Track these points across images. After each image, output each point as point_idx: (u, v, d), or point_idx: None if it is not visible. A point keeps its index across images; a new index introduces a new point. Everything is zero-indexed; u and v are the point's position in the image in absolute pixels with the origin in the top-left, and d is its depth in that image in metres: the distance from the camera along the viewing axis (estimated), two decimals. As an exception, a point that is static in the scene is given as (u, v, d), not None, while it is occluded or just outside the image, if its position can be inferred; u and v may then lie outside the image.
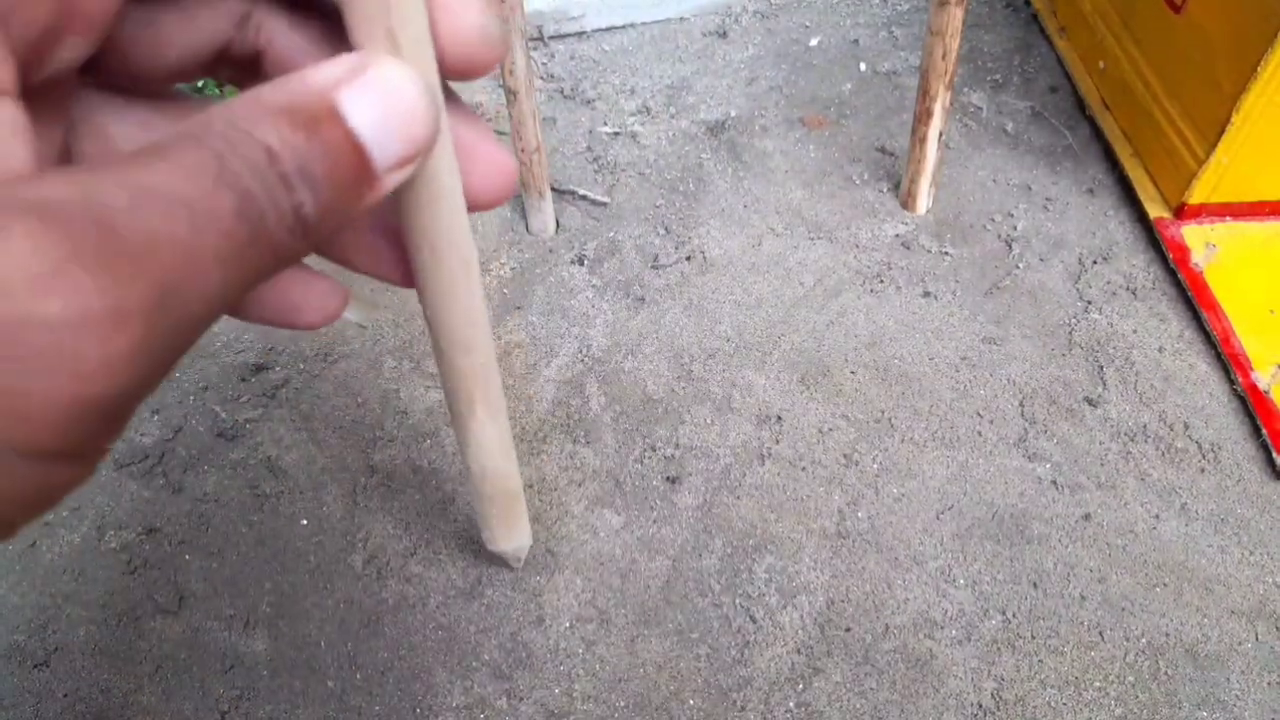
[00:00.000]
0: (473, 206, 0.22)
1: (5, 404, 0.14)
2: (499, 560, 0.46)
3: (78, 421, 0.14)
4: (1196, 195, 0.60)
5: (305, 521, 0.50)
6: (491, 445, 0.35)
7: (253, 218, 0.16)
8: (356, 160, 0.17)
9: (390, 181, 0.18)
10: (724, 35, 0.81)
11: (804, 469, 0.51)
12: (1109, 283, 0.61)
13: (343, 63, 0.18)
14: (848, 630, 0.45)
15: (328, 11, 0.19)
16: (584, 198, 0.66)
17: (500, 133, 0.70)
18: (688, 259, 0.62)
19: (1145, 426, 0.53)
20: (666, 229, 0.64)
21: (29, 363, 0.14)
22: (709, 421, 0.53)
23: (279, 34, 0.20)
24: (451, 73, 0.20)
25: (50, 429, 0.14)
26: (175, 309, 0.15)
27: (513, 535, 0.39)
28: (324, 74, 0.17)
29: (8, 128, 0.16)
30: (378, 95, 0.18)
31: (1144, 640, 0.45)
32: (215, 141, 0.16)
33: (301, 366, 0.57)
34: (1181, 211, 0.61)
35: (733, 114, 0.73)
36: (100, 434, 0.15)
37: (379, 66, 0.18)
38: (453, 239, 0.25)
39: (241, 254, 0.16)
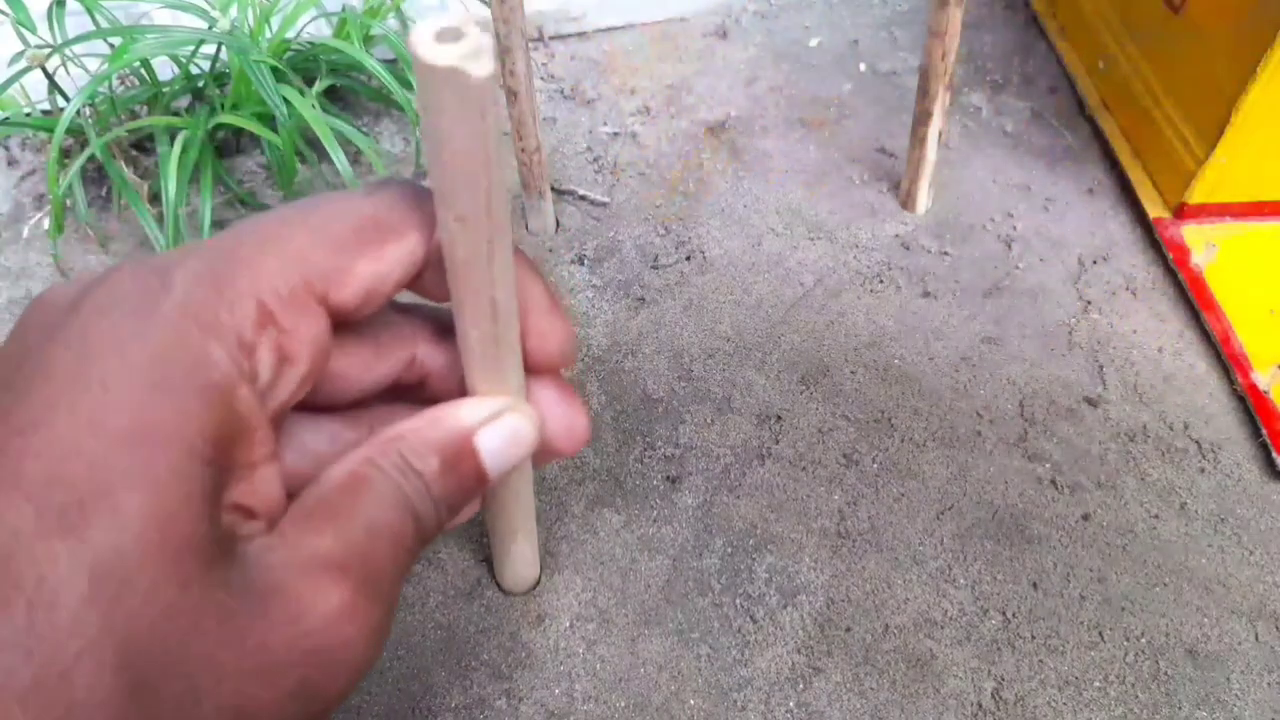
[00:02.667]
0: (546, 457, 0.29)
1: (310, 704, 0.20)
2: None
3: (339, 699, 0.21)
4: (1196, 195, 0.60)
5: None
6: (526, 557, 0.42)
7: (421, 531, 0.23)
8: (479, 481, 0.25)
9: (495, 481, 0.26)
10: (724, 35, 0.81)
11: (804, 469, 0.51)
12: (1109, 283, 0.61)
13: (486, 406, 0.25)
14: (848, 630, 0.45)
15: None
16: (584, 198, 0.66)
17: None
18: (688, 259, 0.62)
19: (1145, 426, 0.53)
20: (666, 229, 0.64)
21: (333, 669, 0.21)
22: (709, 421, 0.53)
23: (435, 363, 0.27)
24: (532, 371, 0.27)
25: (332, 707, 0.21)
26: (395, 598, 0.23)
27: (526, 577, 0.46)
28: (469, 415, 0.25)
29: (271, 472, 0.22)
30: (504, 436, 0.25)
31: (1144, 640, 0.45)
32: (397, 475, 0.23)
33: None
34: (1181, 211, 0.61)
35: (733, 114, 0.73)
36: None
37: (511, 414, 0.25)
38: (518, 492, 0.36)
39: (415, 549, 0.23)
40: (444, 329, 0.26)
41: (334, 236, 0.22)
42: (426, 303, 0.26)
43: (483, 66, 0.18)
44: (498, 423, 0.25)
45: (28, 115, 0.64)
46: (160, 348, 0.19)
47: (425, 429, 0.24)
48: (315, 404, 0.25)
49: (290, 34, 0.65)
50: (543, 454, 0.28)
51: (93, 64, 0.62)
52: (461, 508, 0.25)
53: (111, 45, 0.60)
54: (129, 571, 0.18)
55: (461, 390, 0.26)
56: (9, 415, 0.19)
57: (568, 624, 0.45)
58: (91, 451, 0.18)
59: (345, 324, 0.23)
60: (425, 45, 0.18)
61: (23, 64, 0.58)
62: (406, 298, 0.26)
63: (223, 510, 0.20)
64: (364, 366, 0.25)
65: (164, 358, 0.19)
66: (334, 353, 0.24)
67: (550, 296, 0.26)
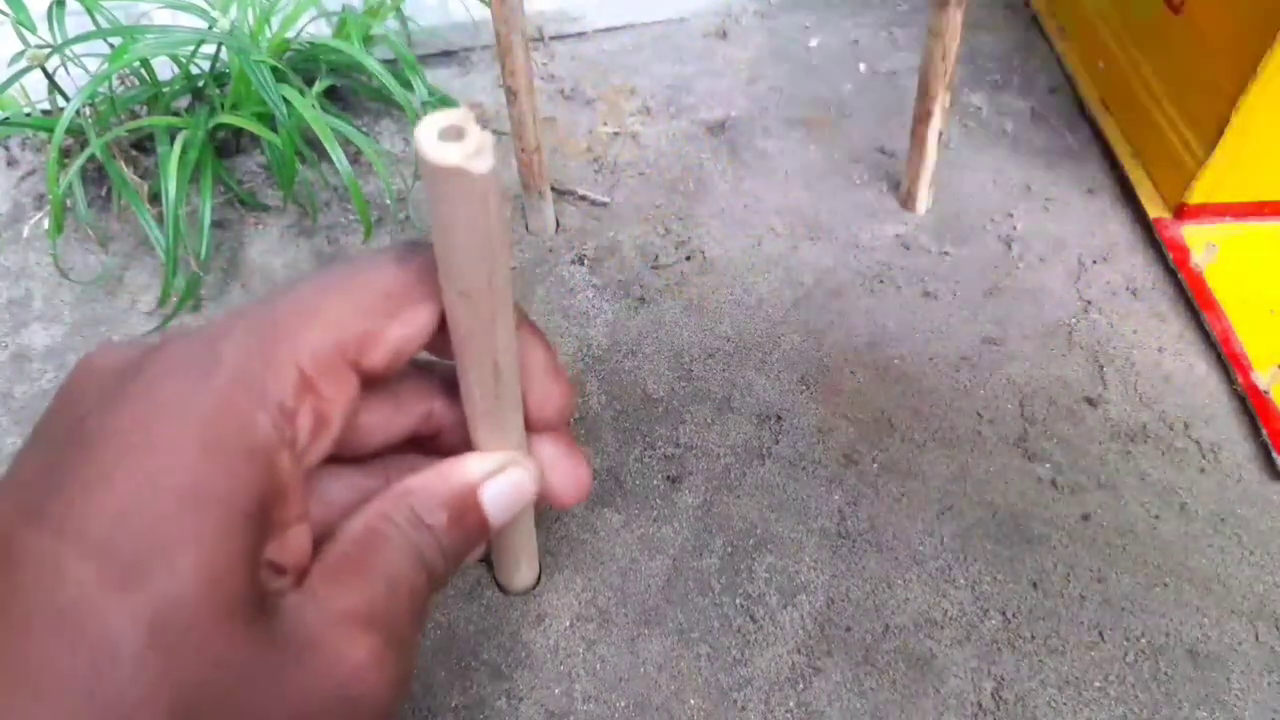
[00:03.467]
0: (552, 505, 0.30)
1: None
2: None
3: None
4: (1196, 195, 0.60)
5: (305, 521, 0.49)
6: (526, 557, 0.44)
7: (431, 579, 0.25)
8: (482, 531, 0.27)
9: (496, 530, 0.28)
10: (724, 35, 0.81)
11: (804, 469, 0.51)
12: (1109, 283, 0.61)
13: (490, 461, 0.27)
14: (848, 630, 0.45)
15: None
16: (584, 198, 0.66)
17: (500, 133, 0.70)
18: (688, 259, 0.62)
19: (1145, 426, 0.53)
20: (666, 229, 0.64)
21: (363, 714, 0.23)
22: (709, 421, 0.53)
23: (449, 418, 0.28)
24: (533, 429, 0.29)
25: None
26: (416, 646, 0.25)
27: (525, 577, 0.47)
28: (474, 470, 0.27)
29: (302, 530, 0.24)
30: (507, 489, 0.27)
31: (1144, 640, 0.45)
32: (409, 530, 0.25)
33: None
34: (1181, 211, 0.61)
35: (733, 114, 0.73)
36: None
37: (513, 469, 0.27)
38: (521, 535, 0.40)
39: (427, 598, 0.25)
40: (457, 386, 0.28)
41: (368, 304, 0.24)
42: (440, 360, 0.28)
43: (484, 163, 0.20)
44: (501, 476, 0.27)
45: (28, 115, 0.64)
46: (212, 414, 0.21)
47: (434, 484, 0.26)
48: (337, 455, 0.26)
49: (290, 34, 0.65)
50: (546, 501, 0.30)
51: (93, 64, 0.62)
52: (467, 556, 0.27)
53: (111, 45, 0.60)
54: (184, 625, 0.19)
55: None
56: (76, 472, 0.20)
57: (568, 624, 0.45)
58: (150, 510, 0.20)
59: (372, 383, 0.25)
60: (430, 145, 0.19)
61: (23, 64, 0.58)
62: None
63: (262, 566, 0.22)
64: (385, 421, 0.27)
65: (215, 424, 0.21)
66: (359, 409, 0.26)
67: (551, 359, 0.29)
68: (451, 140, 0.20)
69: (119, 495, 0.20)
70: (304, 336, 0.23)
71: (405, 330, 0.24)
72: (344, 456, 0.27)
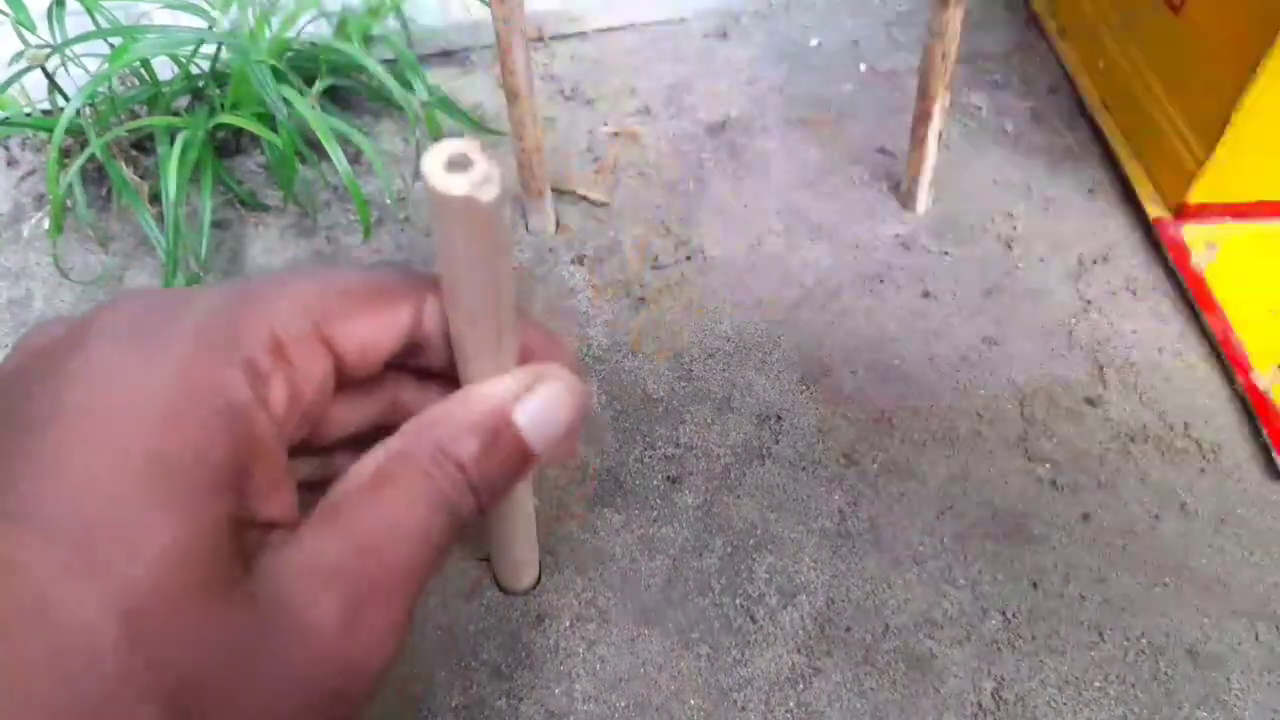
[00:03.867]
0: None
1: (336, 709, 0.20)
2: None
3: (367, 698, 0.21)
4: (1196, 195, 0.60)
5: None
6: (526, 557, 0.43)
7: (455, 519, 0.22)
8: (522, 456, 0.24)
9: (544, 455, 0.24)
10: (724, 36, 0.81)
11: (804, 469, 0.51)
12: (1109, 283, 0.61)
13: (519, 377, 0.24)
14: (848, 630, 0.45)
15: (450, 376, 0.25)
16: (584, 198, 0.66)
17: (500, 133, 0.70)
18: (688, 259, 0.62)
19: (1145, 426, 0.53)
20: (666, 229, 0.64)
21: (349, 678, 0.21)
22: (709, 421, 0.53)
23: (417, 404, 0.25)
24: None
25: (361, 706, 0.21)
26: (418, 595, 0.22)
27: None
28: (504, 388, 0.24)
29: (289, 490, 0.22)
30: (546, 404, 0.24)
31: (1144, 640, 0.45)
32: (427, 464, 0.22)
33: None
34: (1181, 211, 0.61)
35: (733, 114, 0.73)
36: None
37: (550, 381, 0.24)
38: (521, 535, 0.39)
39: (447, 542, 0.22)
40: (423, 373, 0.27)
41: (340, 290, 0.23)
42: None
43: (490, 192, 0.20)
44: (535, 391, 0.24)
45: (28, 115, 0.64)
46: (175, 376, 0.19)
47: (457, 411, 0.23)
48: (301, 445, 0.25)
49: (290, 34, 0.65)
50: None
51: (93, 64, 0.62)
52: (507, 489, 0.24)
53: (111, 45, 0.60)
54: (157, 607, 0.18)
55: None
56: (27, 456, 0.18)
57: (568, 624, 0.45)
58: (111, 487, 0.18)
59: (343, 378, 0.24)
60: (438, 175, 0.20)
61: (23, 64, 0.58)
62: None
63: (246, 530, 0.20)
64: (351, 409, 0.25)
65: (180, 386, 0.19)
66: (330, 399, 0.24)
67: (555, 343, 0.27)
68: (458, 170, 0.20)
69: (76, 475, 0.18)
70: (277, 304, 0.21)
71: (376, 323, 0.23)
72: (307, 446, 0.25)
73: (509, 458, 0.23)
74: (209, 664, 0.18)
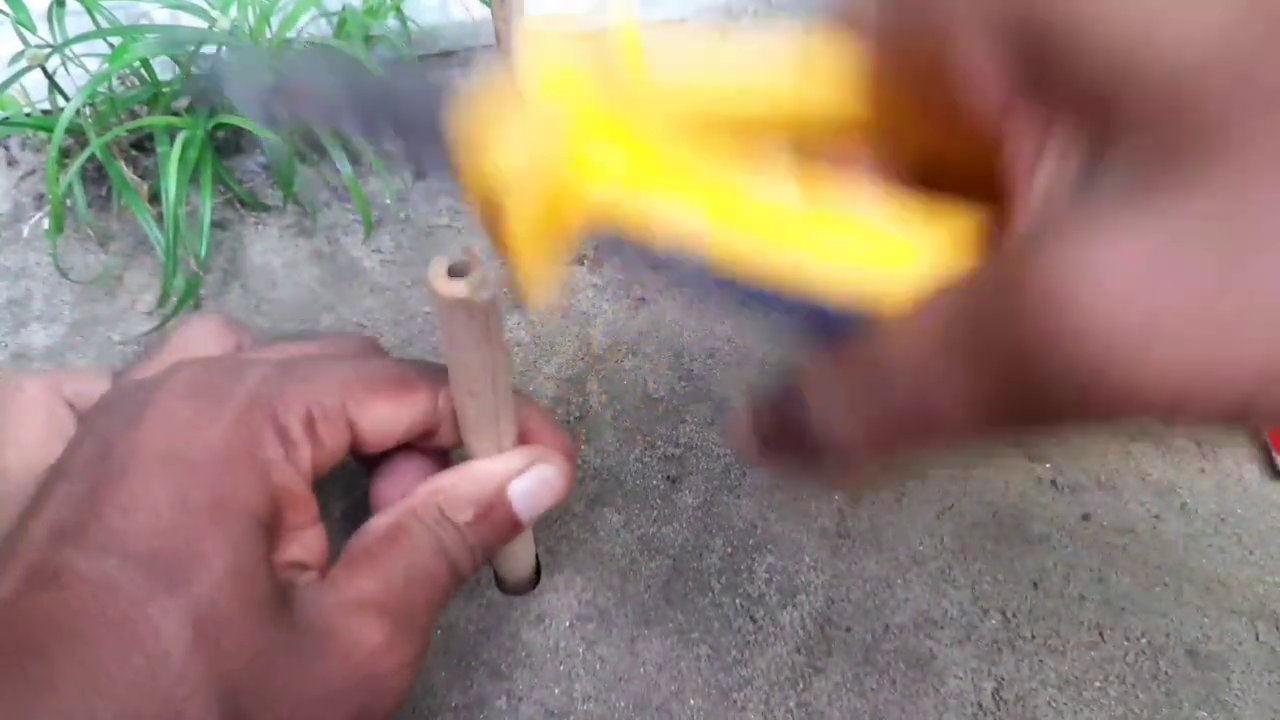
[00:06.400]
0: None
1: None
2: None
3: (388, 715, 0.26)
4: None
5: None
6: (525, 557, 0.45)
7: (456, 573, 0.28)
8: (512, 526, 0.29)
9: (529, 523, 0.30)
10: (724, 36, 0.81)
11: (804, 469, 0.51)
12: (1109, 283, 0.61)
13: (518, 459, 0.29)
14: (848, 630, 0.45)
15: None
16: (584, 198, 0.66)
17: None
18: (688, 259, 0.62)
19: (1145, 426, 0.53)
20: (666, 229, 0.64)
21: (381, 694, 0.25)
22: (710, 421, 0.53)
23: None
24: None
25: None
26: (430, 631, 0.27)
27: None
28: (501, 467, 0.29)
29: (316, 532, 0.27)
30: (536, 484, 0.29)
31: (1144, 640, 0.45)
32: (432, 524, 0.27)
33: (301, 366, 0.57)
34: (1181, 212, 0.61)
35: (733, 114, 0.73)
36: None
37: (542, 464, 0.29)
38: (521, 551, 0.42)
39: (448, 591, 0.28)
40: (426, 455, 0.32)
41: (368, 379, 0.28)
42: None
43: (487, 293, 0.23)
44: (529, 473, 0.29)
45: (28, 115, 0.64)
46: (227, 431, 0.24)
47: (461, 483, 0.28)
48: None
49: (290, 34, 0.65)
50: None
51: (93, 64, 0.62)
52: (496, 548, 0.30)
53: (111, 45, 0.60)
54: (223, 621, 0.22)
55: None
56: (112, 494, 0.22)
57: (568, 624, 0.45)
58: (184, 522, 0.22)
59: (360, 451, 0.28)
60: (440, 281, 0.23)
61: (23, 64, 0.58)
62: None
63: (279, 567, 0.24)
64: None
65: (230, 439, 0.24)
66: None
67: (552, 429, 0.32)
68: (459, 275, 0.23)
69: (154, 511, 0.22)
70: (315, 384, 0.26)
71: (393, 408, 0.28)
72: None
73: (500, 525, 0.29)
74: (260, 672, 0.22)
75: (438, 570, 0.27)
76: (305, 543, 0.26)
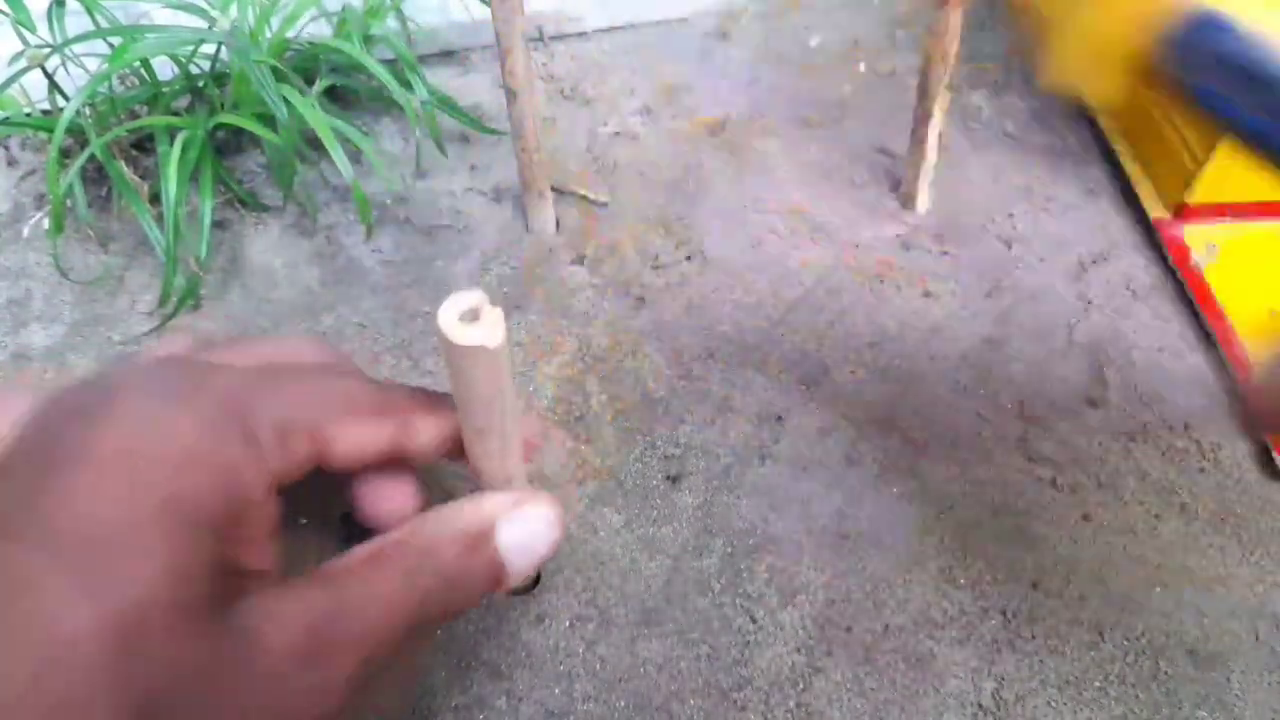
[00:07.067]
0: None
1: None
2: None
3: None
4: (1196, 195, 0.60)
5: (304, 520, 0.49)
6: (531, 578, 0.45)
7: (424, 606, 0.26)
8: (495, 575, 0.28)
9: (513, 584, 0.28)
10: (724, 36, 0.81)
11: (804, 469, 0.51)
12: (1109, 283, 0.61)
13: (508, 499, 0.28)
14: (848, 630, 0.45)
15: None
16: (584, 198, 0.66)
17: (500, 133, 0.70)
18: (688, 259, 0.62)
19: (1145, 426, 0.53)
20: (666, 229, 0.64)
21: (295, 716, 0.23)
22: (709, 421, 0.53)
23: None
24: None
25: None
26: (374, 660, 0.25)
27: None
28: (491, 504, 0.28)
29: (274, 544, 0.26)
30: (524, 527, 0.28)
31: (1144, 640, 0.45)
32: (414, 554, 0.26)
33: (301, 366, 0.56)
34: (1181, 211, 0.61)
35: (733, 114, 0.73)
36: None
37: (532, 504, 0.29)
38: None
39: (410, 623, 0.26)
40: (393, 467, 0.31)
41: (343, 399, 0.27)
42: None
43: (496, 338, 0.23)
44: (517, 512, 0.28)
45: (28, 115, 0.64)
46: (194, 433, 0.23)
47: (452, 517, 0.28)
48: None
49: (290, 34, 0.65)
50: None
51: (93, 64, 0.62)
52: (476, 589, 0.28)
53: (111, 45, 0.60)
54: (148, 626, 0.21)
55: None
56: (56, 487, 0.21)
57: (568, 624, 0.45)
58: (126, 521, 0.21)
59: (328, 465, 0.28)
60: (451, 327, 0.23)
61: (23, 64, 0.58)
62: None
63: (232, 572, 0.24)
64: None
65: (195, 442, 0.23)
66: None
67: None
68: (469, 321, 0.23)
69: (93, 507, 0.21)
70: (289, 396, 0.26)
71: (362, 430, 0.27)
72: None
73: (482, 564, 0.28)
74: (178, 682, 0.21)
75: (406, 596, 0.26)
76: (263, 551, 0.25)
